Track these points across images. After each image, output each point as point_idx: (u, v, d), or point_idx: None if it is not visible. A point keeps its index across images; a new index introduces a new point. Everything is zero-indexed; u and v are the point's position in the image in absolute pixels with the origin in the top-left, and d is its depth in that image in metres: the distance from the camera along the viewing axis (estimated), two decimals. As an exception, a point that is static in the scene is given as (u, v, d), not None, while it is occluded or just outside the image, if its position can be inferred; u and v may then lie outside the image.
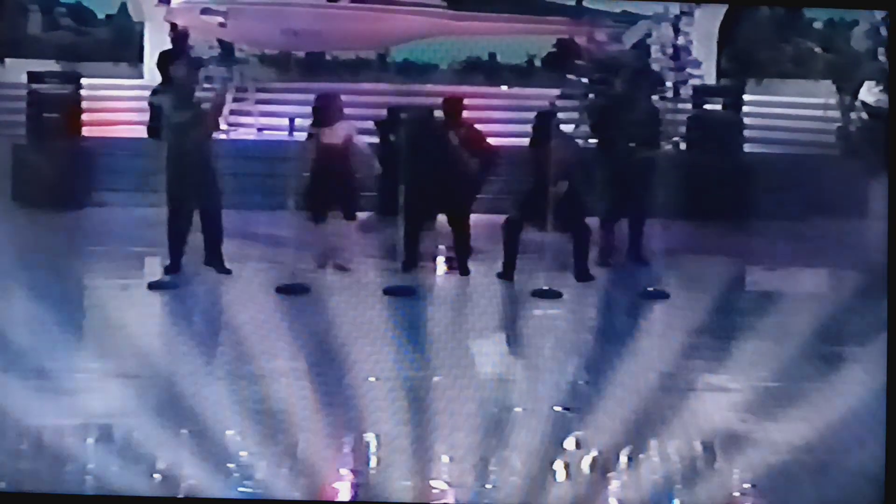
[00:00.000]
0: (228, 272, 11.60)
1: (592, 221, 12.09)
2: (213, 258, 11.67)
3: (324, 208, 11.89)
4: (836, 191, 12.60)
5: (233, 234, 11.87)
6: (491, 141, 12.44)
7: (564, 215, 11.78)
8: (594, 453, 8.25)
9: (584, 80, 15.33)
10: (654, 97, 13.93)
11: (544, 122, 12.24)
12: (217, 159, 11.71)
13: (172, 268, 11.49)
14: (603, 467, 8.17)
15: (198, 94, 12.22)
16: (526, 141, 12.26)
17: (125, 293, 10.86)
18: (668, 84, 15.30)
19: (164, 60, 12.20)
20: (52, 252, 11.48)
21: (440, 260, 12.34)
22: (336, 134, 11.93)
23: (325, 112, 12.04)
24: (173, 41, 14.91)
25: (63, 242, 12.00)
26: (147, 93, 13.34)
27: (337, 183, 11.91)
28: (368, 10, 15.82)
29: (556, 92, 14.80)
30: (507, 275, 11.74)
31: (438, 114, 12.31)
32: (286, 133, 12.62)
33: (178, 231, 11.52)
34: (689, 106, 14.80)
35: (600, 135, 12.99)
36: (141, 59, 15.60)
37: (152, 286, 11.25)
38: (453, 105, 12.23)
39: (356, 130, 12.17)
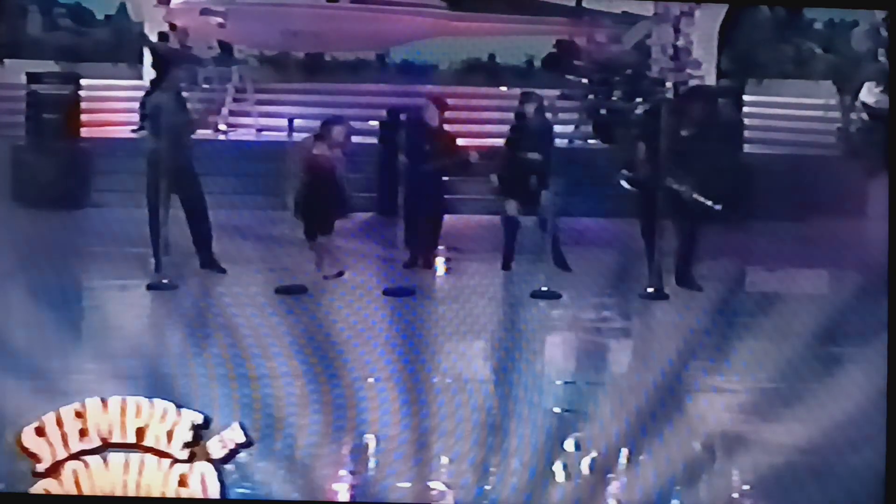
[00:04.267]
0: (223, 271, 11.60)
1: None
2: (207, 260, 11.69)
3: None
4: (836, 191, 12.56)
5: (232, 234, 11.87)
6: (489, 142, 12.44)
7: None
8: (594, 454, 8.24)
9: (584, 80, 15.33)
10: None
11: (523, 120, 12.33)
12: (204, 161, 11.74)
13: (158, 267, 11.51)
14: (602, 468, 8.17)
15: (185, 94, 12.26)
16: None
17: (124, 294, 10.84)
18: (668, 84, 15.27)
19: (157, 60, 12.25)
20: (52, 252, 11.47)
21: (440, 260, 12.32)
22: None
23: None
24: (170, 41, 14.94)
25: (63, 242, 11.98)
26: (147, 93, 13.38)
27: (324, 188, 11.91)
28: (368, 11, 15.81)
29: (556, 92, 14.78)
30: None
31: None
32: (285, 134, 12.62)
33: (155, 231, 11.56)
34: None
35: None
36: (140, 60, 15.55)
37: (151, 287, 11.25)
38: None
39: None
